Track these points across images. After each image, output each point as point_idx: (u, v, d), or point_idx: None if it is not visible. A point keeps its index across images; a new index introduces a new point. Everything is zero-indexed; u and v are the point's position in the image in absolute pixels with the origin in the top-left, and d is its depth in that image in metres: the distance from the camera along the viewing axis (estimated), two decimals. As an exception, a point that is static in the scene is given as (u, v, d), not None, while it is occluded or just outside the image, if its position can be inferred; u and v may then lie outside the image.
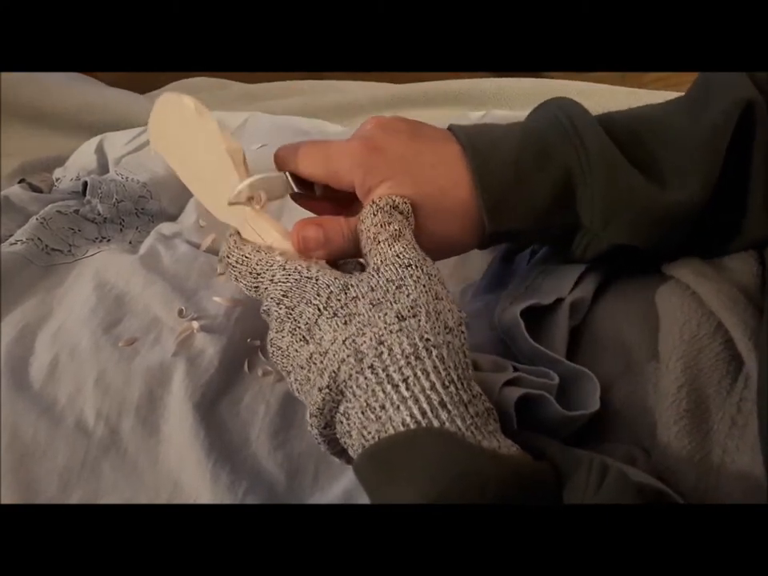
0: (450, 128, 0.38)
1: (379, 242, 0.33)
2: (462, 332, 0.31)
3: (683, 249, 0.38)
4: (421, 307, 0.30)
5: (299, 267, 0.32)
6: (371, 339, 0.29)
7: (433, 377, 0.28)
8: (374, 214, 0.34)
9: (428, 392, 0.28)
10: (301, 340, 0.31)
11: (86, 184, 0.61)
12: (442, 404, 0.28)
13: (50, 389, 0.44)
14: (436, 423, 0.27)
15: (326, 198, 0.38)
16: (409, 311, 0.29)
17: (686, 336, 0.33)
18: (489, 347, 0.40)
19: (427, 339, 0.29)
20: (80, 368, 0.45)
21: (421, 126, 0.37)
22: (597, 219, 0.36)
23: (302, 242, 0.34)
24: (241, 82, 0.97)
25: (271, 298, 0.33)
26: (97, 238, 0.58)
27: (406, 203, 0.34)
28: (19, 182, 0.64)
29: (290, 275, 0.32)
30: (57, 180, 0.66)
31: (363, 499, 0.38)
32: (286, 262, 0.33)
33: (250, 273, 0.34)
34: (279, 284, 0.33)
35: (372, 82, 0.95)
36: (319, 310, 0.31)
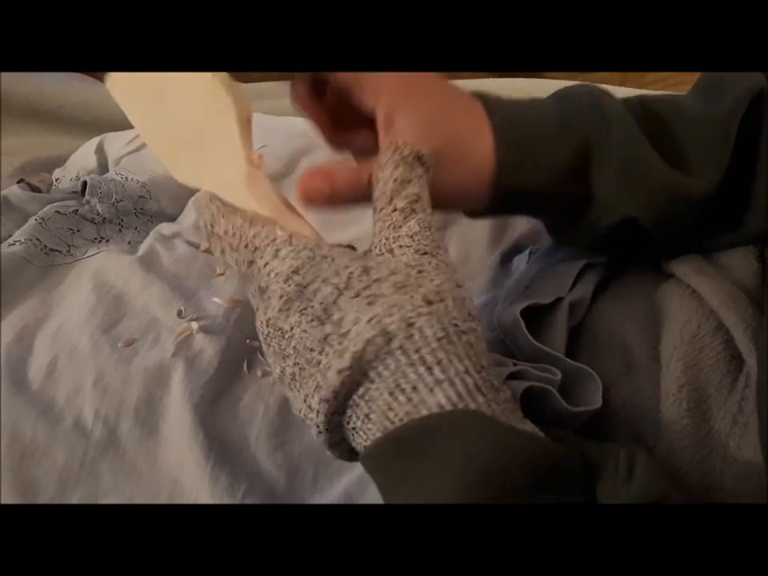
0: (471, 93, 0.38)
1: (395, 208, 0.32)
2: (480, 320, 0.30)
3: (686, 240, 0.38)
4: (446, 293, 0.29)
5: (309, 244, 0.31)
6: (400, 320, 0.28)
7: (466, 361, 0.28)
8: (395, 166, 0.32)
9: (462, 375, 0.27)
10: (314, 320, 0.29)
11: (85, 183, 0.61)
12: (477, 388, 0.27)
13: (48, 389, 0.44)
14: (473, 406, 0.27)
15: (330, 114, 0.37)
16: (435, 296, 0.29)
17: (686, 336, 0.33)
18: (488, 347, 0.40)
19: (456, 324, 0.28)
20: (79, 369, 0.45)
21: (449, 85, 0.37)
22: (611, 190, 0.35)
23: (306, 192, 0.33)
24: (241, 82, 0.97)
25: (275, 274, 0.31)
26: (96, 239, 0.58)
27: (430, 156, 0.33)
28: (18, 182, 0.65)
29: (299, 252, 0.30)
30: (56, 180, 0.67)
31: (363, 499, 0.38)
32: (290, 238, 0.31)
33: (246, 246, 0.32)
34: (287, 260, 0.30)
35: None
36: (339, 289, 0.29)
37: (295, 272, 0.30)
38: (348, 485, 0.39)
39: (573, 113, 0.36)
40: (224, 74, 0.31)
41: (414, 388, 0.27)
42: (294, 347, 0.30)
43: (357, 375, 0.28)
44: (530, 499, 0.25)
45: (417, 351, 0.27)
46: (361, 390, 0.28)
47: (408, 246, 0.31)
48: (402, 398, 0.27)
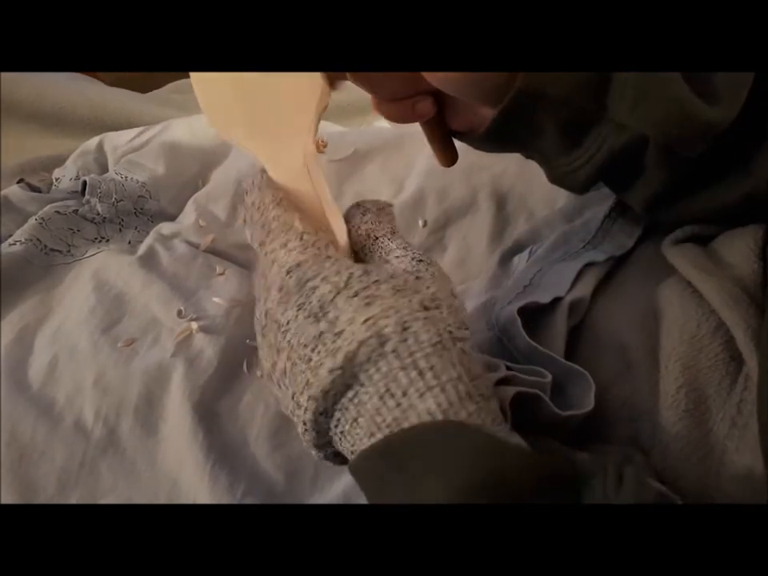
0: None
1: (377, 237, 0.33)
2: (469, 330, 0.30)
3: (687, 186, 0.37)
4: (442, 300, 0.29)
5: (318, 243, 0.31)
6: (396, 323, 0.28)
7: (459, 368, 0.28)
8: (362, 214, 0.34)
9: (455, 382, 0.27)
10: (310, 316, 0.29)
11: (85, 183, 0.61)
12: (469, 396, 0.27)
13: (48, 389, 0.44)
14: (463, 414, 0.27)
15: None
16: (431, 302, 0.29)
17: (685, 336, 0.33)
18: (486, 347, 0.40)
19: (450, 331, 0.29)
20: (79, 368, 0.45)
21: None
22: (626, 105, 0.34)
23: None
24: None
25: (279, 265, 0.31)
26: (96, 238, 0.58)
27: (390, 205, 0.35)
28: (18, 182, 0.65)
29: (307, 248, 0.31)
30: (56, 180, 0.67)
31: (362, 499, 0.38)
32: (304, 233, 0.31)
33: (263, 226, 0.32)
34: (294, 253, 0.30)
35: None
36: (337, 288, 0.29)
37: (298, 266, 0.30)
38: (347, 485, 0.39)
39: None
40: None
41: (405, 393, 0.27)
42: (289, 341, 0.29)
43: (347, 376, 0.28)
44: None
45: (410, 355, 0.27)
46: (350, 393, 0.28)
47: (404, 255, 0.31)
48: (391, 402, 0.27)
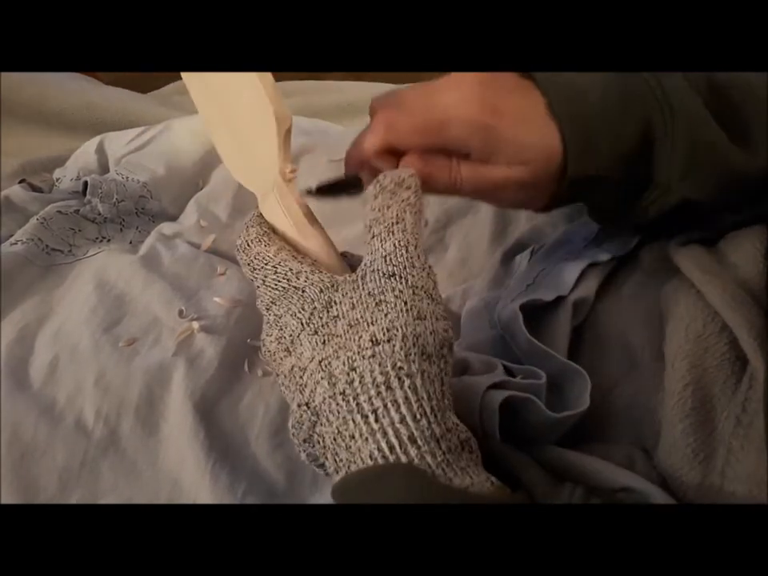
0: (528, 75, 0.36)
1: (374, 235, 0.31)
2: (443, 356, 0.29)
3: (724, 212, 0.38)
4: (398, 330, 0.28)
5: (289, 274, 0.31)
6: (344, 364, 0.28)
7: (403, 409, 0.27)
8: (374, 197, 0.32)
9: (397, 425, 0.27)
10: (284, 350, 0.30)
11: (86, 184, 0.61)
12: (412, 439, 0.27)
13: (49, 389, 0.44)
14: (404, 459, 0.27)
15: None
16: (384, 334, 0.28)
17: (691, 335, 0.33)
18: (488, 346, 0.40)
19: (400, 368, 0.27)
20: (80, 368, 0.45)
21: (499, 78, 0.35)
22: (675, 173, 0.35)
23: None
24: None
25: (261, 301, 0.32)
26: (97, 238, 0.58)
27: (412, 177, 0.33)
28: (20, 182, 0.65)
29: (279, 282, 0.31)
30: (57, 180, 0.67)
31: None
32: (278, 264, 0.32)
33: (248, 264, 0.33)
34: (269, 290, 0.32)
35: (372, 82, 0.96)
36: (302, 324, 0.30)
37: (273, 302, 0.32)
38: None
39: (631, 90, 0.35)
40: (268, 77, 0.30)
41: (352, 436, 0.28)
42: (278, 370, 0.31)
43: (311, 413, 0.29)
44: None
45: (355, 398, 0.28)
46: (318, 428, 0.29)
47: (377, 270, 0.30)
48: (343, 444, 0.28)
